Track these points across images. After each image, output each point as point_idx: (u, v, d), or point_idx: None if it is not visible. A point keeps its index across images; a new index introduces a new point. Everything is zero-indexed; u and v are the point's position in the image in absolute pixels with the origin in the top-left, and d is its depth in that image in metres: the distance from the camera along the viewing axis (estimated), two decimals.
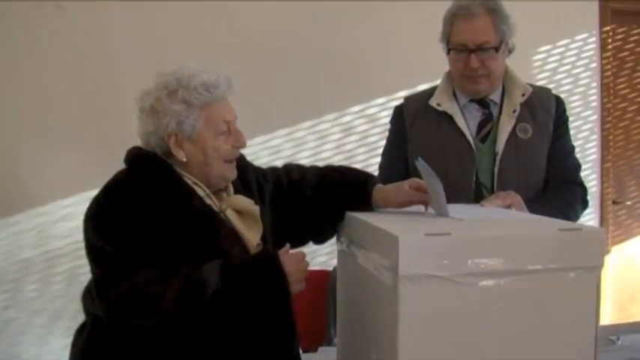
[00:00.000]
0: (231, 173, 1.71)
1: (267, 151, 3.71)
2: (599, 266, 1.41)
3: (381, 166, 2.42)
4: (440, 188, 1.63)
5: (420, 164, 1.67)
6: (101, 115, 3.39)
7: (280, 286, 1.53)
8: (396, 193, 1.78)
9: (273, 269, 1.54)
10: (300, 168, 1.97)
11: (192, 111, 1.61)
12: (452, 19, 2.17)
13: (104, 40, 3.47)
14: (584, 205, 2.29)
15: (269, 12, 3.65)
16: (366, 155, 3.76)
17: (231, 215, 1.68)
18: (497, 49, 2.12)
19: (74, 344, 1.71)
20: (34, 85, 3.40)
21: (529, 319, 1.38)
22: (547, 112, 2.24)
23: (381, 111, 3.75)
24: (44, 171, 3.41)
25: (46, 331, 3.49)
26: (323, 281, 2.84)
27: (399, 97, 2.43)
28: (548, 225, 1.57)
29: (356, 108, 3.82)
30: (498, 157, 2.17)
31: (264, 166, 1.99)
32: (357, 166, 3.54)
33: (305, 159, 3.68)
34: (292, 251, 1.63)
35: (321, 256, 3.48)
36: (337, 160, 3.74)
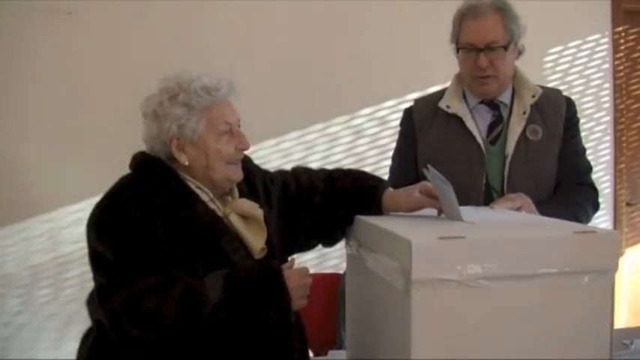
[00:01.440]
0: (236, 175, 1.70)
1: (277, 154, 3.71)
2: (614, 269, 1.40)
3: (392, 170, 2.41)
4: (451, 193, 1.61)
5: (429, 173, 1.65)
6: (110, 121, 3.39)
7: (282, 302, 1.53)
8: (406, 199, 1.77)
9: (277, 285, 1.53)
10: (308, 172, 1.95)
11: (192, 114, 1.61)
12: (461, 19, 2.16)
13: (114, 47, 3.48)
14: (596, 207, 2.27)
15: (279, 15, 3.65)
16: (377, 158, 3.75)
17: (234, 220, 1.67)
18: (505, 49, 2.11)
19: (80, 350, 1.71)
20: (43, 91, 3.41)
21: (543, 323, 1.36)
22: (557, 113, 2.22)
23: (391, 113, 3.74)
24: (53, 177, 3.43)
25: (58, 336, 3.50)
26: (334, 284, 2.84)
27: (409, 100, 2.42)
28: (562, 227, 1.55)
29: (366, 110, 3.82)
30: (508, 159, 2.16)
31: (275, 170, 1.98)
32: (368, 168, 3.52)
33: (315, 162, 3.68)
34: (297, 267, 1.62)
35: (333, 259, 3.47)
36: (348, 163, 3.74)
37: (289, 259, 1.66)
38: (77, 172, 3.38)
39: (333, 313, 2.81)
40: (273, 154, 3.69)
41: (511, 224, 1.67)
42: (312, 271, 3.49)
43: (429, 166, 1.65)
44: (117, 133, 3.29)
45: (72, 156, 3.44)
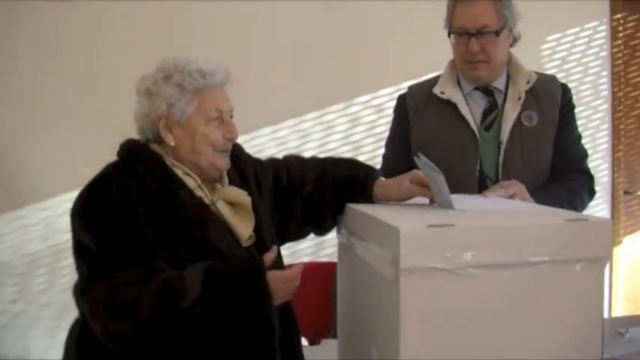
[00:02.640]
0: (222, 163, 1.68)
1: (273, 142, 3.70)
2: (606, 258, 1.38)
3: (385, 157, 2.40)
4: (443, 182, 1.60)
5: (420, 161, 1.64)
6: (105, 109, 3.38)
7: (262, 301, 1.51)
8: (397, 189, 1.77)
9: (257, 284, 1.50)
10: (299, 161, 1.95)
11: (183, 95, 1.61)
12: (454, 3, 2.15)
13: (108, 34, 3.47)
14: (591, 194, 2.25)
15: (275, 3, 3.63)
16: (374, 146, 3.72)
17: (222, 207, 1.66)
18: (497, 34, 2.09)
19: (68, 340, 1.70)
20: (37, 81, 3.41)
21: (534, 311, 1.35)
22: (553, 99, 2.21)
23: (388, 101, 3.70)
24: (49, 165, 3.42)
25: (54, 324, 3.50)
26: (330, 273, 2.83)
27: (405, 87, 2.41)
28: (553, 215, 1.54)
29: (363, 98, 3.80)
30: (503, 146, 2.14)
31: (269, 158, 1.97)
32: (364, 157, 3.53)
33: (311, 150, 3.67)
34: (289, 271, 1.59)
35: (329, 247, 3.47)
36: (344, 152, 3.72)
37: (273, 247, 1.64)
38: (73, 160, 3.36)
39: (328, 301, 2.80)
40: (269, 142, 3.68)
41: (502, 212, 1.65)
42: (307, 259, 3.50)
43: (419, 154, 1.64)
44: (113, 120, 3.26)
45: (68, 144, 3.44)
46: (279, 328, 1.62)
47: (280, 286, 1.54)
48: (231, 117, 1.69)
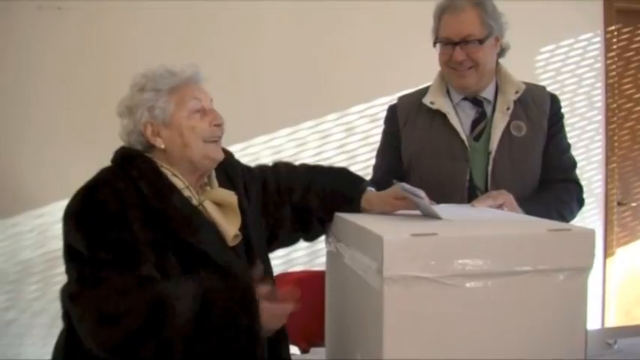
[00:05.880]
0: (216, 153, 1.70)
1: (269, 150, 3.70)
2: (589, 267, 1.39)
3: (376, 167, 2.41)
4: (426, 204, 1.62)
5: (399, 187, 1.66)
6: (101, 117, 3.35)
7: (252, 331, 1.53)
8: (381, 207, 1.79)
9: (250, 315, 1.53)
10: (289, 168, 1.96)
11: (160, 95, 1.64)
12: (440, 14, 2.16)
13: (104, 42, 3.47)
14: (580, 203, 2.25)
15: (271, 13, 3.65)
16: (368, 155, 3.71)
17: (208, 206, 1.67)
18: (481, 42, 2.10)
19: (56, 348, 1.70)
20: (34, 86, 3.40)
21: (517, 321, 1.36)
22: (541, 109, 2.21)
23: (383, 111, 3.67)
24: (44, 172, 3.41)
25: (47, 332, 3.48)
26: (323, 281, 2.82)
27: None
28: (538, 225, 1.54)
29: (358, 108, 3.81)
30: (492, 156, 2.14)
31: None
32: (359, 166, 3.54)
33: (307, 159, 3.66)
34: (279, 307, 1.62)
35: (323, 256, 3.47)
36: (339, 160, 3.73)
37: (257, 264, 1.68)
38: (68, 168, 3.35)
39: (321, 310, 2.80)
40: (265, 151, 3.68)
41: (487, 222, 1.65)
42: (302, 268, 3.48)
43: (395, 181, 1.68)
44: (107, 128, 3.27)
45: (62, 151, 3.43)
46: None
47: (272, 318, 1.57)
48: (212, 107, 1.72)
